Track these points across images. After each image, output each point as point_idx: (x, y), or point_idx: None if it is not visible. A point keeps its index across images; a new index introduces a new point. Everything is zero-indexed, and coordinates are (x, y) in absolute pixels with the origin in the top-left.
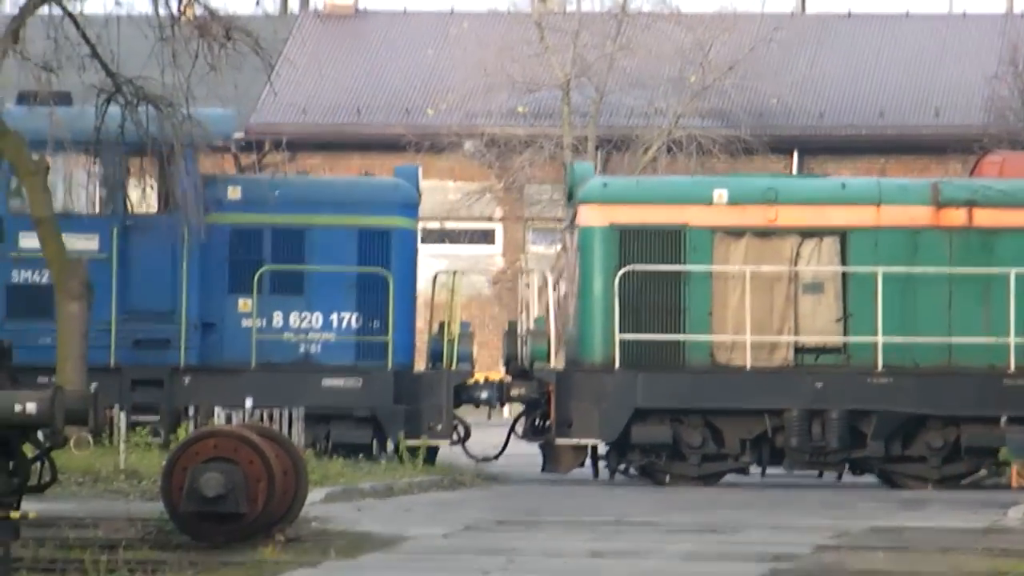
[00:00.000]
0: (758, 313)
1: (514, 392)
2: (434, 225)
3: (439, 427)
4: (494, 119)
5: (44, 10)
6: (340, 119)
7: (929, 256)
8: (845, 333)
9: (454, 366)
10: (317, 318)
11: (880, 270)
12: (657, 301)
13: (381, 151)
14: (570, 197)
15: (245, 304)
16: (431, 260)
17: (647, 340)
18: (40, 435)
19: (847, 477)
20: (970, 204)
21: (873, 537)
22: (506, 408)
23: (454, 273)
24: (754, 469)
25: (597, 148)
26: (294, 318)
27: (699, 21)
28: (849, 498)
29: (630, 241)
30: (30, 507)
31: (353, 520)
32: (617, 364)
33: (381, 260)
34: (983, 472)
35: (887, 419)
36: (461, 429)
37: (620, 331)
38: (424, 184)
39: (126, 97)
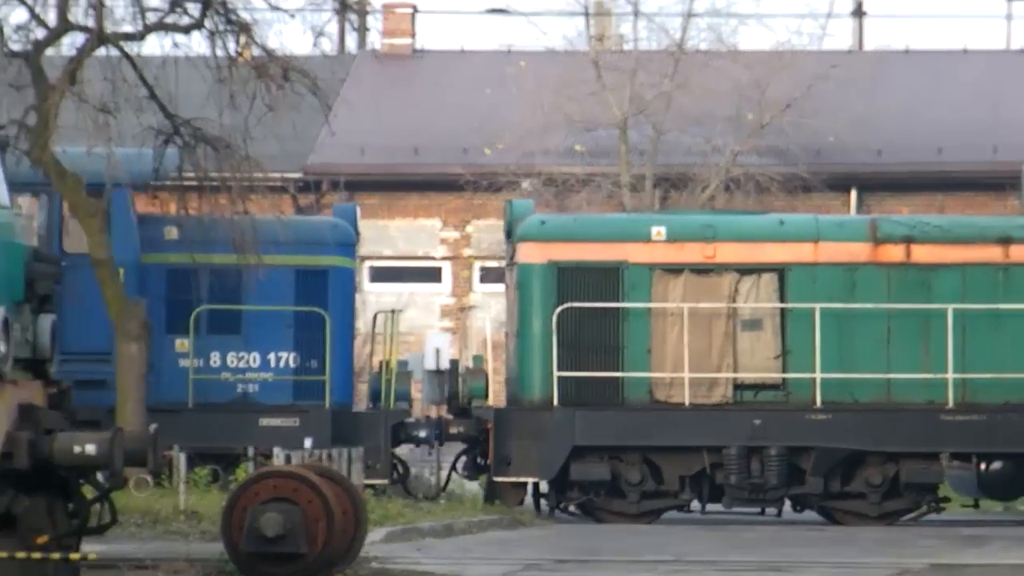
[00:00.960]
0: (697, 350)
1: (453, 430)
2: (492, 264)
3: (378, 466)
4: (551, 158)
5: (101, 52)
6: (397, 159)
7: (867, 292)
8: (784, 370)
9: (391, 405)
10: (255, 358)
11: (818, 307)
12: (595, 338)
13: (439, 191)
14: (509, 235)
15: (182, 344)
16: (490, 299)
17: (585, 377)
18: (100, 476)
19: (789, 514)
20: (908, 240)
21: (934, 574)
22: None
23: (392, 312)
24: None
25: (655, 186)
26: (231, 358)
27: (756, 59)
28: (909, 536)
29: (568, 278)
30: (90, 548)
31: (413, 560)
32: (555, 402)
33: (319, 299)
34: (924, 508)
35: (826, 455)
36: (400, 468)
37: (558, 369)
38: (482, 223)
39: (184, 138)
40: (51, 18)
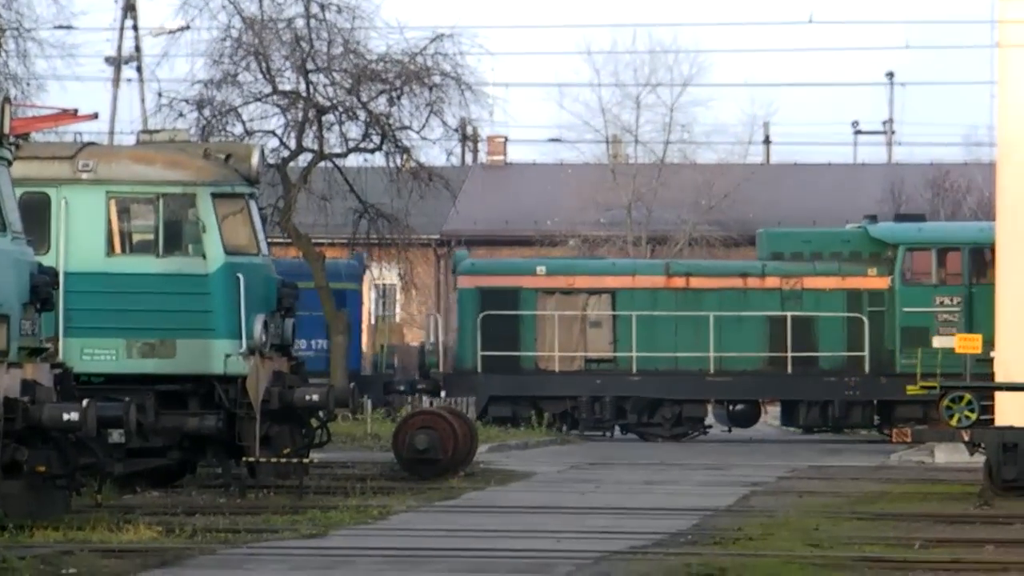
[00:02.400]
0: (563, 339)
1: (420, 386)
2: None
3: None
4: (586, 226)
5: (322, 164)
6: (496, 227)
7: (664, 305)
8: (615, 351)
9: (383, 371)
10: (301, 343)
11: (634, 314)
12: (504, 333)
13: (520, 246)
14: (454, 271)
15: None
16: None
17: (497, 355)
18: (320, 413)
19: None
20: (688, 274)
21: (812, 471)
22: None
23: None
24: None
25: (647, 243)
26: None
27: (707, 168)
28: (794, 449)
29: (488, 297)
30: (315, 456)
31: (505, 463)
32: (479, 369)
33: (344, 307)
34: (695, 433)
35: (640, 401)
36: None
37: (481, 350)
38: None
39: (371, 214)
40: (292, 143)
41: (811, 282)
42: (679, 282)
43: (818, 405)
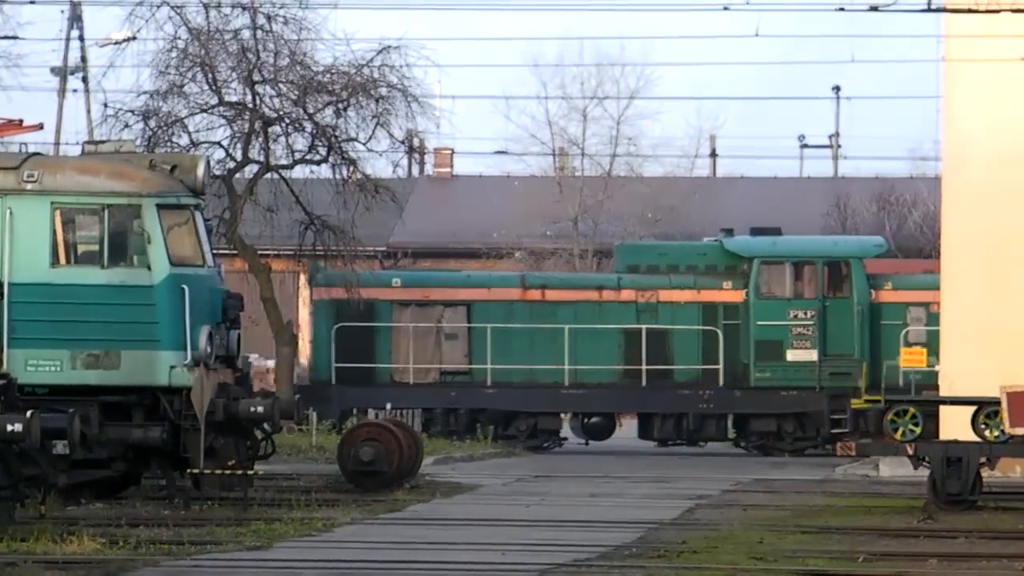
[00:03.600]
0: (418, 351)
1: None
2: None
3: None
4: (533, 239)
5: (268, 175)
6: (442, 239)
7: (519, 318)
8: (470, 363)
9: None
10: None
11: (489, 326)
12: (359, 344)
13: (466, 258)
14: (310, 283)
15: None
16: None
17: (352, 367)
18: (265, 425)
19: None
20: (543, 287)
21: (756, 484)
22: None
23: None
24: None
25: (593, 256)
26: None
27: (653, 182)
28: (739, 462)
29: (343, 309)
30: (259, 468)
31: (450, 475)
32: (334, 381)
33: None
34: (549, 445)
35: (495, 414)
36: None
37: (336, 361)
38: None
39: (316, 226)
40: (238, 154)
41: (666, 295)
42: (535, 295)
43: (673, 418)
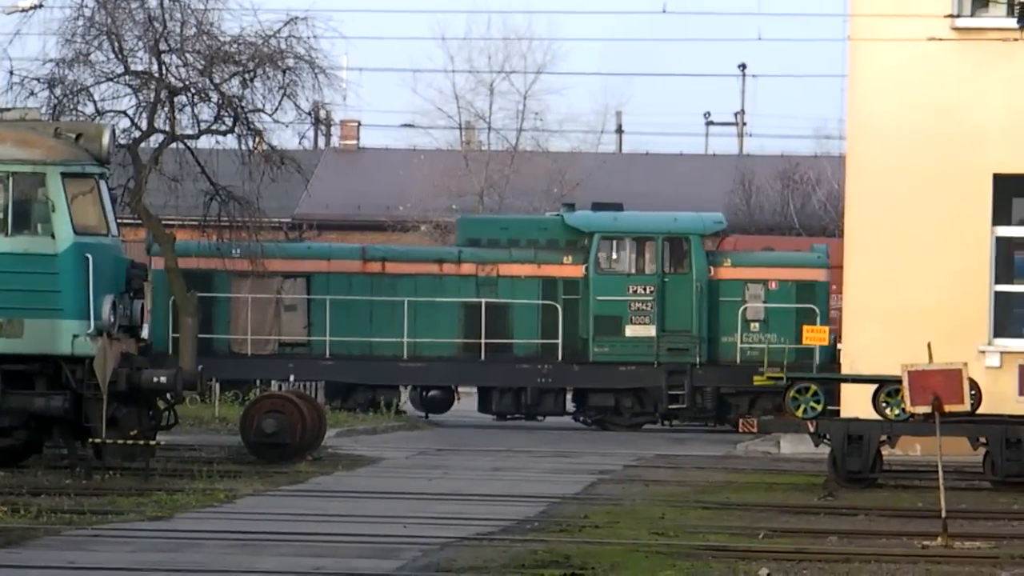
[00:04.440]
0: (256, 322)
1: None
2: None
3: None
4: (439, 213)
5: (173, 145)
6: (348, 212)
7: (359, 290)
8: (309, 335)
9: None
10: None
11: (328, 298)
12: (200, 315)
13: (372, 231)
14: (148, 252)
15: None
16: None
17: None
18: (168, 395)
19: None
20: (383, 259)
21: (659, 460)
22: None
23: None
24: None
25: None
26: None
27: (559, 157)
28: (642, 438)
29: (186, 279)
30: (162, 438)
31: (353, 448)
32: (170, 351)
33: None
34: (388, 416)
35: (333, 386)
36: None
37: (172, 332)
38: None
39: (222, 197)
40: (143, 124)
41: (507, 269)
42: (375, 267)
43: (511, 392)
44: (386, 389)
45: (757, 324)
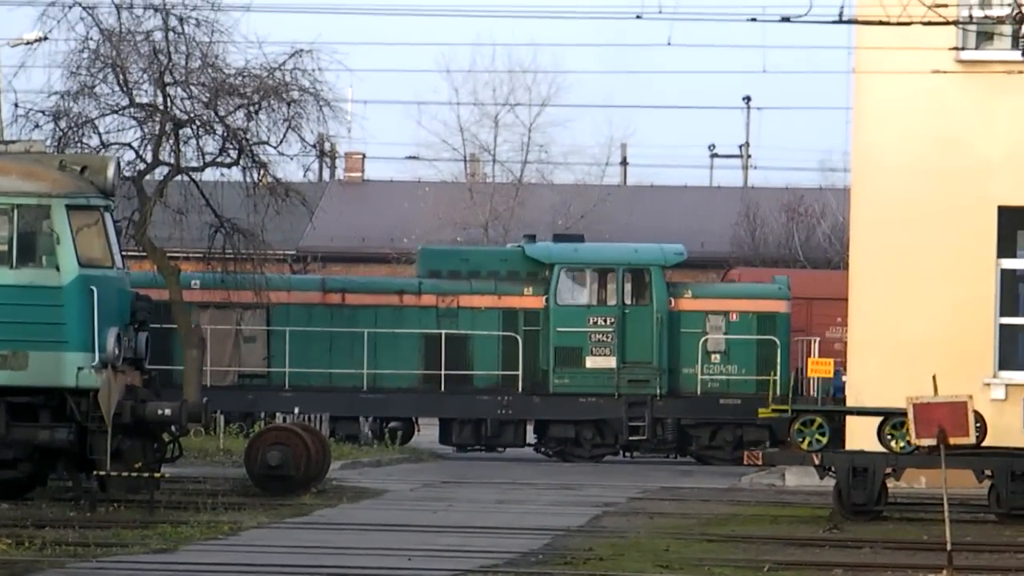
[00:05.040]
0: (216, 353)
1: None
2: None
3: None
4: (444, 245)
5: (178, 178)
6: (352, 244)
7: (319, 321)
8: (268, 366)
9: None
10: None
11: (288, 329)
12: (156, 346)
13: (376, 263)
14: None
15: None
16: None
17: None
18: (173, 428)
19: None
20: (343, 290)
21: (663, 492)
22: None
23: None
24: None
25: None
26: None
27: (564, 188)
28: (646, 470)
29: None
30: (166, 470)
31: (357, 480)
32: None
33: None
34: (351, 447)
35: (293, 417)
36: None
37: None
38: None
39: (227, 229)
40: (148, 156)
41: (467, 300)
42: (335, 298)
43: (471, 423)
44: (345, 420)
45: (718, 355)
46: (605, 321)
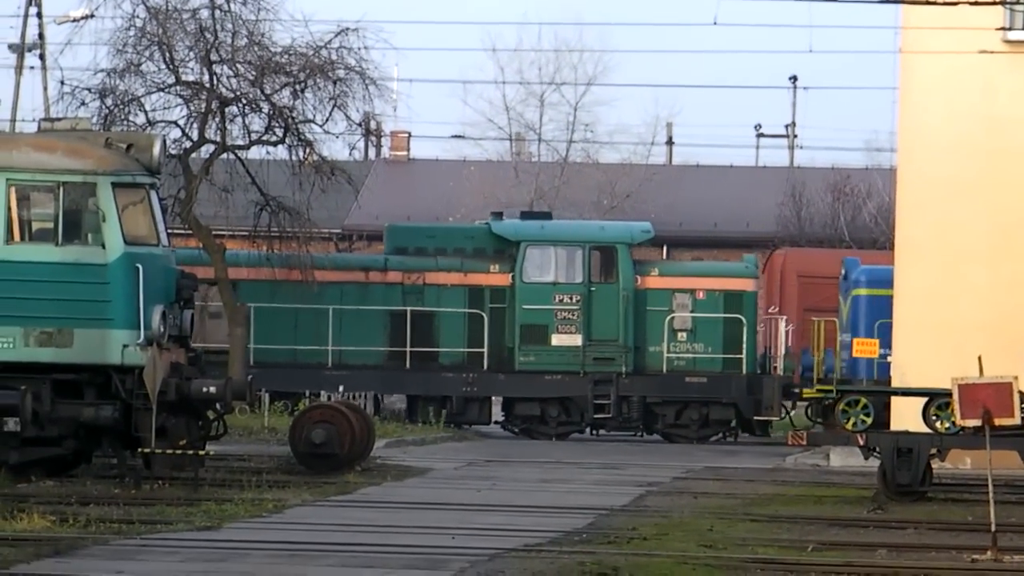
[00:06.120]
0: None
1: None
2: None
3: None
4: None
5: (224, 156)
6: (399, 223)
7: (285, 297)
8: None
9: None
10: None
11: (253, 305)
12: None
13: None
14: None
15: None
16: None
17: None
18: (217, 405)
19: None
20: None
21: (707, 472)
22: None
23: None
24: None
25: None
26: None
27: (609, 168)
28: (691, 450)
29: None
30: (211, 448)
31: (402, 459)
32: None
33: None
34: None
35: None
36: None
37: None
38: None
39: (272, 207)
40: (194, 134)
41: (433, 277)
42: (300, 274)
43: (437, 400)
44: (310, 397)
45: (684, 334)
46: (571, 299)
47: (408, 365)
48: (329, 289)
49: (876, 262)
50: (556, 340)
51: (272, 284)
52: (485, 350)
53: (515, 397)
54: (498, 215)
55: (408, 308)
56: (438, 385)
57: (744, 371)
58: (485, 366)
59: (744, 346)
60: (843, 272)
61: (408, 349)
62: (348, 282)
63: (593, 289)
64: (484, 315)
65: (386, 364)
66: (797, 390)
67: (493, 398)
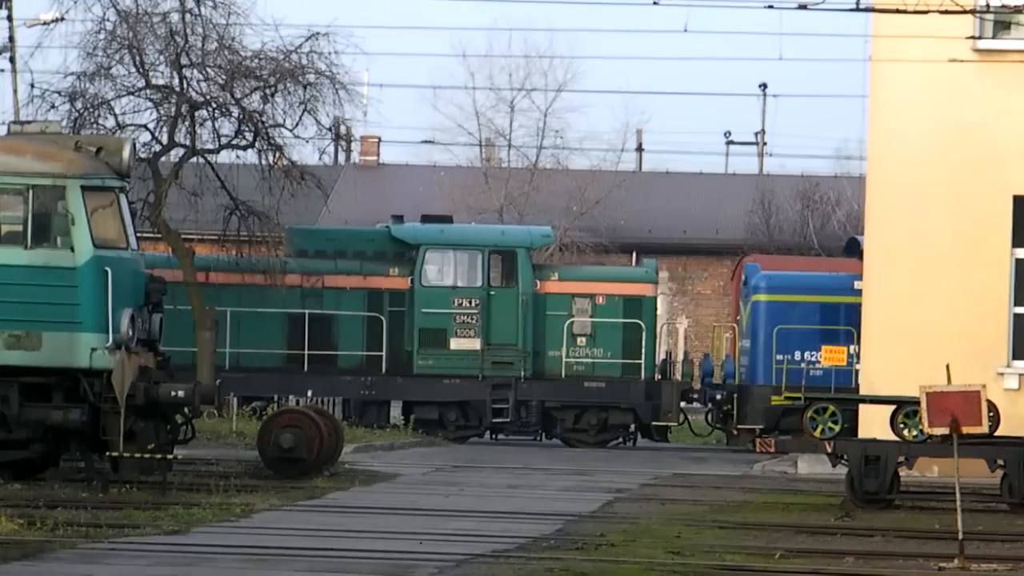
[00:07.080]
0: None
1: None
2: None
3: None
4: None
5: (193, 159)
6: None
7: (182, 299)
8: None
9: None
10: None
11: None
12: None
13: None
14: None
15: None
16: None
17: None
18: (186, 409)
19: None
20: (208, 269)
21: (675, 479)
22: None
23: None
24: None
25: None
26: None
27: (579, 175)
28: (659, 456)
29: None
30: (179, 452)
31: (370, 464)
32: None
33: None
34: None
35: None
36: None
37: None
38: None
39: (241, 212)
40: (164, 138)
41: (332, 280)
42: (199, 276)
43: (335, 403)
44: (278, 401)
45: (584, 338)
46: (470, 303)
47: (306, 368)
48: (228, 291)
49: (844, 270)
50: (455, 344)
51: (171, 286)
52: (384, 353)
53: (414, 400)
54: (399, 218)
55: (306, 311)
56: (336, 388)
57: (643, 376)
58: (384, 369)
59: (643, 351)
60: (743, 277)
61: (306, 352)
62: (247, 284)
63: (492, 293)
64: (383, 318)
65: (284, 367)
66: (695, 395)
67: (392, 402)
